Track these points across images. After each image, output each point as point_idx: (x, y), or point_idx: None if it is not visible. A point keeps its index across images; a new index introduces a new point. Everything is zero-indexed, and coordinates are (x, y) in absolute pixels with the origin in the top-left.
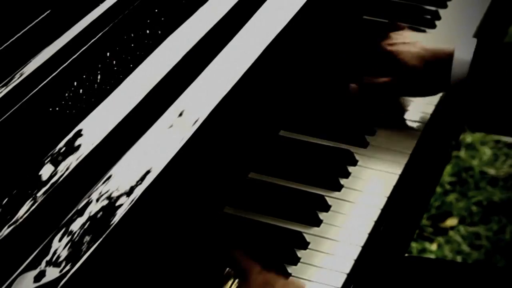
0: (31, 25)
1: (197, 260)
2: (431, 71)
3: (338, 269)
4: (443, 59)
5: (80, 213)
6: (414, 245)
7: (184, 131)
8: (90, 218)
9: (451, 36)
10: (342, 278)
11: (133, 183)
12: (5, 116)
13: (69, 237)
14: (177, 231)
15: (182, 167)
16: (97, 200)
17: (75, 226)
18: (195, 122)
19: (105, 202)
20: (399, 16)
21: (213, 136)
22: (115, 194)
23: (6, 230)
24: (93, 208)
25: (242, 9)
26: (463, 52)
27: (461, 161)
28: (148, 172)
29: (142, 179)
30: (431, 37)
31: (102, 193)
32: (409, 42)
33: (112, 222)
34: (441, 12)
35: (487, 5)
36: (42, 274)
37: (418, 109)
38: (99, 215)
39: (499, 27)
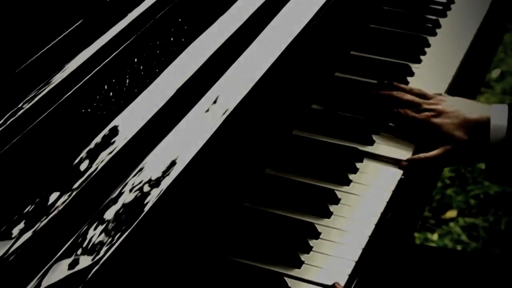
0: (65, 33)
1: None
2: (474, 140)
3: (347, 257)
4: (482, 126)
5: (114, 202)
6: (417, 235)
7: (205, 133)
8: (123, 206)
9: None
10: (351, 265)
11: (161, 175)
12: (42, 116)
13: (103, 226)
14: (200, 221)
15: (205, 165)
16: (130, 190)
17: (108, 216)
18: (214, 126)
19: (137, 193)
20: (403, 24)
21: (232, 137)
22: (145, 186)
23: (45, 220)
24: (126, 198)
25: (259, 17)
26: (499, 117)
27: None
28: (174, 165)
29: (169, 171)
30: (467, 103)
31: (134, 184)
32: (449, 111)
33: (142, 212)
34: (441, 20)
35: (484, 13)
36: (76, 261)
37: None
38: (131, 205)
39: (495, 33)
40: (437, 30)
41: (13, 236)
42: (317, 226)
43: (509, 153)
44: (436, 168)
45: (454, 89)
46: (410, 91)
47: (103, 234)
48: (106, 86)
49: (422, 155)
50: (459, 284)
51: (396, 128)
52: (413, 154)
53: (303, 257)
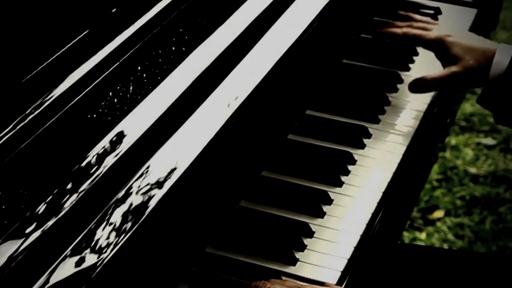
0: (72, 42)
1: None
2: (478, 67)
3: (340, 255)
4: (487, 57)
5: (119, 202)
6: (405, 234)
7: (205, 137)
8: (128, 207)
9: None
10: (344, 263)
11: (163, 177)
12: (50, 121)
13: (108, 226)
14: (200, 221)
15: (204, 167)
16: (134, 192)
17: (113, 216)
18: (214, 129)
19: (141, 194)
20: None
21: (230, 141)
22: (148, 187)
23: (53, 220)
24: (131, 199)
25: (256, 27)
26: (503, 54)
27: (447, 161)
28: (175, 168)
29: (171, 174)
30: (476, 36)
31: (138, 186)
32: (462, 37)
33: (145, 213)
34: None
35: (469, 23)
36: (82, 260)
37: (410, 115)
38: (135, 206)
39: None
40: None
41: (23, 235)
42: (311, 225)
43: (503, 87)
44: (442, 89)
45: (442, 94)
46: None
47: (108, 234)
48: (111, 93)
49: (428, 75)
50: (446, 281)
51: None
52: (402, 157)
53: (298, 255)
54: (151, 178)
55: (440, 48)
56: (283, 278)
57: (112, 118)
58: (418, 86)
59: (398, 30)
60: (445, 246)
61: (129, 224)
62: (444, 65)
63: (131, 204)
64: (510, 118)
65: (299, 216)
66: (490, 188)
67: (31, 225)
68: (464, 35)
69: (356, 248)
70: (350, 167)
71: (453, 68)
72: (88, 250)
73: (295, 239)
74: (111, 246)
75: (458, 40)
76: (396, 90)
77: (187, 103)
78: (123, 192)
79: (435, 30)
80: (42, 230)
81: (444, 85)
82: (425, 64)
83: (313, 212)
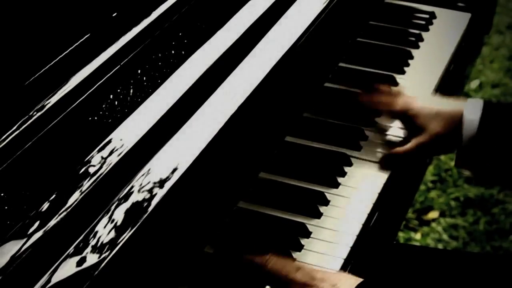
0: (74, 46)
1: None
2: (447, 131)
3: (336, 254)
4: (455, 119)
5: (121, 201)
6: (401, 234)
7: (205, 139)
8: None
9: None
10: (340, 262)
11: (164, 177)
12: (53, 123)
13: (110, 225)
14: (199, 221)
15: (204, 168)
16: (135, 191)
17: (115, 215)
18: (213, 132)
19: (142, 193)
20: (388, 38)
21: (229, 143)
22: (149, 187)
23: (56, 219)
24: (132, 198)
25: (254, 32)
26: (472, 112)
27: (441, 163)
28: (176, 168)
29: (171, 174)
30: (442, 99)
31: (139, 186)
32: (424, 106)
33: (146, 212)
34: (424, 34)
35: (464, 28)
36: (84, 259)
37: None
38: (136, 205)
39: (474, 46)
40: (420, 43)
41: (26, 234)
42: (308, 226)
43: (479, 148)
44: (413, 160)
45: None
46: (389, 92)
47: (109, 233)
48: (111, 96)
49: (397, 148)
50: (440, 281)
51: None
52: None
53: (295, 255)
54: (152, 179)
55: (406, 118)
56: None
57: (113, 120)
58: (389, 161)
59: (365, 101)
60: (440, 246)
61: (130, 224)
62: (412, 135)
63: (132, 204)
64: (490, 177)
65: (296, 217)
66: (484, 189)
67: (34, 225)
68: (428, 99)
69: (352, 247)
70: (346, 169)
71: (422, 139)
72: (89, 250)
73: (292, 239)
74: (112, 246)
75: (423, 107)
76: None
77: (186, 106)
78: (124, 192)
79: (401, 100)
80: (44, 230)
81: (415, 156)
82: (420, 68)
83: (310, 212)
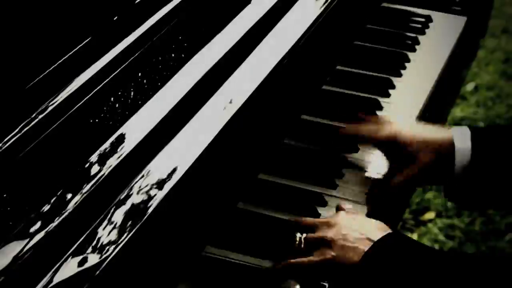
0: (75, 49)
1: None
2: (437, 160)
3: None
4: (445, 147)
5: (121, 203)
6: None
7: (204, 141)
8: (130, 208)
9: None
10: None
11: (164, 179)
12: (55, 125)
13: (110, 226)
14: (199, 222)
15: (204, 170)
16: (135, 193)
17: (115, 217)
18: (213, 134)
19: (142, 195)
20: (385, 41)
21: (229, 144)
22: (149, 188)
23: (57, 220)
24: (132, 200)
25: (253, 35)
26: (462, 140)
27: None
28: (175, 170)
29: (171, 175)
30: (427, 126)
31: (139, 187)
32: (406, 129)
33: (146, 213)
34: (420, 38)
35: (459, 31)
36: (85, 259)
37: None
38: (136, 207)
39: (469, 49)
40: (416, 47)
41: (28, 235)
42: None
43: (474, 177)
44: (405, 192)
45: (432, 101)
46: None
47: (110, 234)
48: (112, 98)
49: (385, 185)
50: (436, 280)
51: None
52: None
53: None
54: (152, 180)
55: (392, 148)
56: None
57: (114, 122)
58: (377, 197)
59: (350, 130)
60: (436, 246)
61: (131, 225)
62: (400, 166)
63: (132, 205)
64: (478, 204)
65: (294, 218)
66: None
67: (36, 226)
68: (415, 128)
69: None
70: (343, 171)
71: (411, 170)
72: (90, 250)
73: (290, 239)
74: (113, 246)
75: (413, 135)
76: (388, 95)
77: (186, 108)
78: (124, 194)
79: (386, 129)
80: (46, 231)
81: (406, 188)
82: (417, 70)
83: (308, 213)
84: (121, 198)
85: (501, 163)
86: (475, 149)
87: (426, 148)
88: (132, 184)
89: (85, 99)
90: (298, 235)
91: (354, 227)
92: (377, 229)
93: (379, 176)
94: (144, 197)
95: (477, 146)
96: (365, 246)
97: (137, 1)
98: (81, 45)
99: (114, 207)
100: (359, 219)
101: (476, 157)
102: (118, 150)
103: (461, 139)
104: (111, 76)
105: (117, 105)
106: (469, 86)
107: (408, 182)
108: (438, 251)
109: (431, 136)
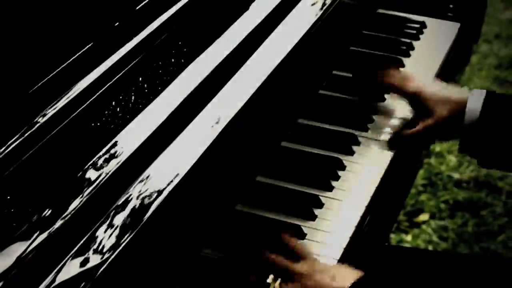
0: (77, 54)
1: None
2: (452, 117)
3: (330, 255)
4: (460, 106)
5: (121, 207)
6: (392, 236)
7: (203, 144)
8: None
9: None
10: (334, 263)
11: (163, 182)
12: (56, 129)
13: (110, 229)
14: (198, 223)
15: (202, 173)
16: (135, 197)
17: (115, 219)
18: (211, 138)
19: (141, 199)
20: (380, 46)
21: (226, 148)
22: (149, 192)
23: (58, 223)
24: (131, 203)
25: (250, 42)
26: (475, 101)
27: (431, 167)
28: (175, 173)
29: (171, 179)
30: (450, 86)
31: (139, 191)
32: (429, 86)
33: (146, 216)
34: (414, 43)
35: (453, 37)
36: (86, 260)
37: (397, 123)
38: (136, 210)
39: (463, 55)
40: (411, 52)
41: (30, 237)
42: (303, 228)
43: (480, 135)
44: (418, 144)
45: None
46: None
47: (110, 236)
48: (113, 102)
49: (405, 131)
50: (430, 281)
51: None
52: (389, 163)
53: None
54: (151, 183)
55: (416, 100)
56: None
57: (115, 126)
58: (397, 142)
59: (379, 78)
60: (430, 247)
61: (131, 227)
62: (419, 116)
63: (132, 208)
64: (494, 160)
65: (291, 219)
66: (472, 192)
67: (38, 228)
68: (437, 86)
69: (346, 249)
70: (340, 173)
71: (429, 121)
72: (91, 252)
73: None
74: (113, 248)
75: (431, 93)
76: (383, 100)
77: (185, 112)
78: (124, 197)
79: (411, 83)
80: (49, 232)
81: (421, 138)
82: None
83: (305, 215)
84: (122, 200)
85: (507, 126)
86: (483, 111)
87: (443, 105)
88: (132, 187)
89: (86, 103)
90: (271, 278)
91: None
92: (348, 279)
93: (402, 123)
94: (145, 199)
95: (487, 109)
96: None
97: (137, 8)
98: (83, 50)
99: (115, 209)
100: (333, 268)
101: (483, 119)
102: (118, 154)
103: (475, 100)
104: (112, 81)
105: (118, 109)
106: None
107: (425, 132)
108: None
109: (449, 95)
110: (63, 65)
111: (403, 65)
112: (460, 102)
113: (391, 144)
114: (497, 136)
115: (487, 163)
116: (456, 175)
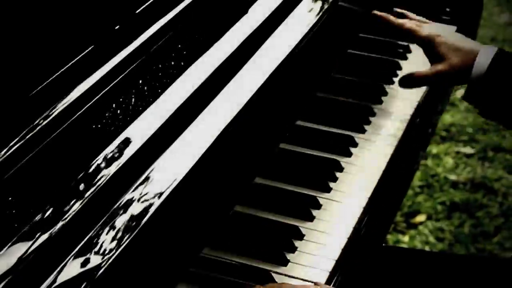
0: (78, 57)
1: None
2: (462, 66)
3: (328, 256)
4: (471, 57)
5: (121, 208)
6: (390, 237)
7: (202, 146)
8: (129, 212)
9: None
10: (332, 263)
11: (163, 184)
12: (57, 132)
13: (111, 230)
14: (197, 224)
15: (201, 174)
16: (135, 198)
17: (116, 221)
18: (212, 137)
19: (141, 200)
20: (377, 49)
21: (225, 149)
22: (148, 194)
23: (60, 224)
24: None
25: (249, 45)
26: (484, 56)
27: (428, 169)
28: (174, 175)
29: (170, 181)
30: (464, 37)
31: (139, 193)
32: (445, 35)
33: (146, 217)
34: (411, 46)
35: None
36: (87, 261)
37: (393, 125)
38: (136, 211)
39: None
40: (408, 55)
41: (32, 237)
42: (301, 228)
43: (484, 88)
44: (427, 84)
45: (424, 105)
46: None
47: (111, 237)
48: (114, 105)
49: (416, 72)
50: (427, 281)
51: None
52: (387, 165)
53: (289, 256)
54: (151, 185)
55: (429, 45)
56: (279, 282)
57: (115, 128)
58: (407, 81)
59: (394, 21)
60: (427, 248)
61: (131, 228)
62: (432, 61)
63: (132, 210)
64: (494, 113)
65: (290, 220)
66: (469, 194)
67: (39, 229)
68: (452, 35)
69: (343, 249)
70: (337, 174)
71: (439, 66)
72: (92, 252)
73: (286, 241)
74: (114, 249)
75: (446, 39)
76: (380, 102)
77: (185, 115)
78: (124, 198)
79: (427, 28)
80: (50, 233)
81: (430, 81)
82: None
83: (303, 216)
84: (122, 202)
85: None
86: (491, 66)
87: (454, 52)
88: (132, 189)
89: (87, 106)
90: None
91: None
92: None
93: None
94: (144, 201)
95: (495, 64)
96: None
97: (137, 11)
98: (84, 53)
99: (115, 211)
100: None
101: (489, 73)
102: (119, 156)
103: (485, 54)
104: (113, 83)
105: (118, 111)
106: (459, 93)
107: (435, 76)
108: None
109: (462, 45)
110: (64, 68)
111: (400, 68)
112: (472, 53)
113: (402, 82)
114: (501, 91)
115: (487, 115)
116: (452, 177)
